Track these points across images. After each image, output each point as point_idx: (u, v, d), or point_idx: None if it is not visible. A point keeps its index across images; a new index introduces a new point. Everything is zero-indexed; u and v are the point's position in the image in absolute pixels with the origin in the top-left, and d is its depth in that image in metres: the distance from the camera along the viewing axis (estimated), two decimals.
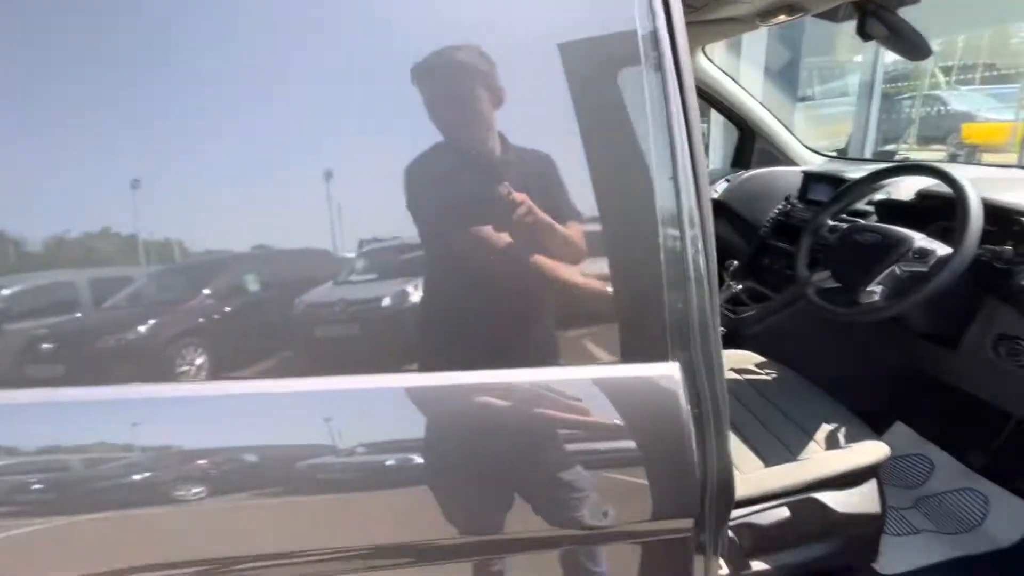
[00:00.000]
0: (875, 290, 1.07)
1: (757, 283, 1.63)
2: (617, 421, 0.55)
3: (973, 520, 1.32)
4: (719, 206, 2.04)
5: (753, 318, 1.51)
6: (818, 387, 1.26)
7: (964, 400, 1.38)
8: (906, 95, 9.57)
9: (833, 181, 1.46)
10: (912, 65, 9.75)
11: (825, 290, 1.20)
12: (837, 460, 0.99)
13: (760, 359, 1.40)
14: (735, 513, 0.97)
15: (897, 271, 1.04)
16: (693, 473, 0.55)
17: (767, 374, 1.34)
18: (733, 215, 1.92)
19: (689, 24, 1.60)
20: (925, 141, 9.12)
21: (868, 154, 7.65)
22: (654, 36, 0.51)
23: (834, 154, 2.12)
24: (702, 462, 0.56)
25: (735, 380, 1.31)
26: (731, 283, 1.59)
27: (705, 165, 0.56)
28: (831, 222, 1.25)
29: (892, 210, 1.33)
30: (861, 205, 1.35)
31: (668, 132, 0.52)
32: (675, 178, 0.52)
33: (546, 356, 0.56)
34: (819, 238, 1.27)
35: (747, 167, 2.21)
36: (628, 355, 0.55)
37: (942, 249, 0.99)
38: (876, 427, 1.66)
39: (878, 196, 1.35)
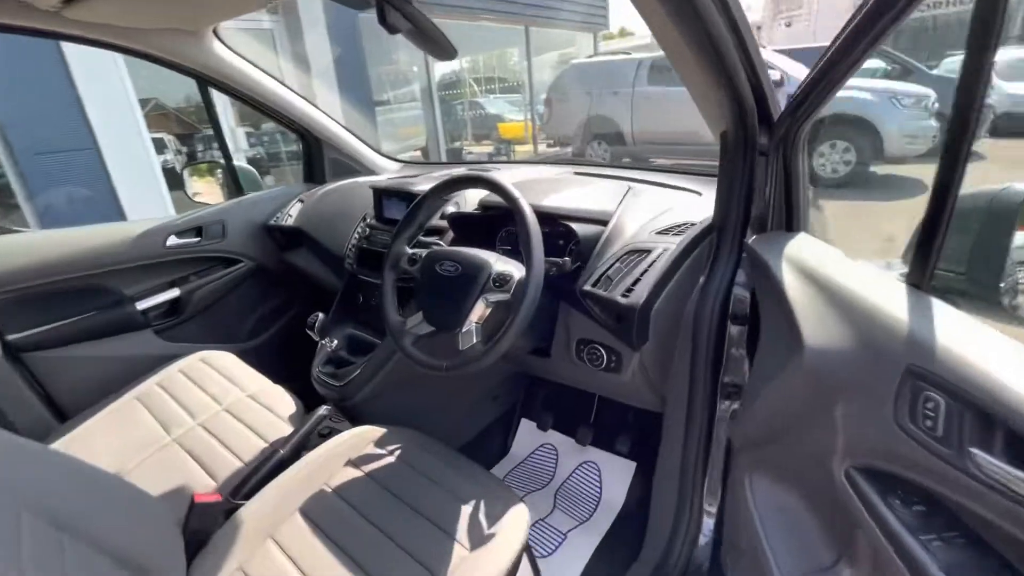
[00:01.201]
0: (471, 329, 0.89)
1: (359, 329, 1.34)
2: None
3: (594, 494, 1.42)
4: (297, 234, 1.64)
5: (360, 379, 1.20)
6: (449, 440, 1.06)
7: (564, 389, 1.47)
8: (457, 101, 11.65)
9: (404, 196, 1.27)
10: (455, 76, 11.91)
11: (422, 337, 0.97)
12: (484, 566, 0.77)
13: (380, 430, 1.10)
14: None
15: (484, 304, 0.88)
16: None
17: (389, 452, 1.04)
18: (315, 244, 1.56)
19: None
20: (477, 139, 11.40)
21: (442, 149, 8.85)
22: None
23: (417, 153, 2.03)
24: None
25: (350, 483, 0.97)
26: (323, 343, 1.23)
27: None
28: (411, 250, 1.02)
29: (464, 223, 1.22)
30: (435, 221, 1.19)
31: None
32: None
33: None
34: (402, 271, 1.03)
35: (322, 181, 1.89)
36: None
37: (517, 271, 0.88)
38: (508, 427, 1.67)
39: (449, 208, 1.23)
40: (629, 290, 0.89)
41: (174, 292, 1.57)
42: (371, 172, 1.96)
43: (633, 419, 1.45)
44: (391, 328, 0.98)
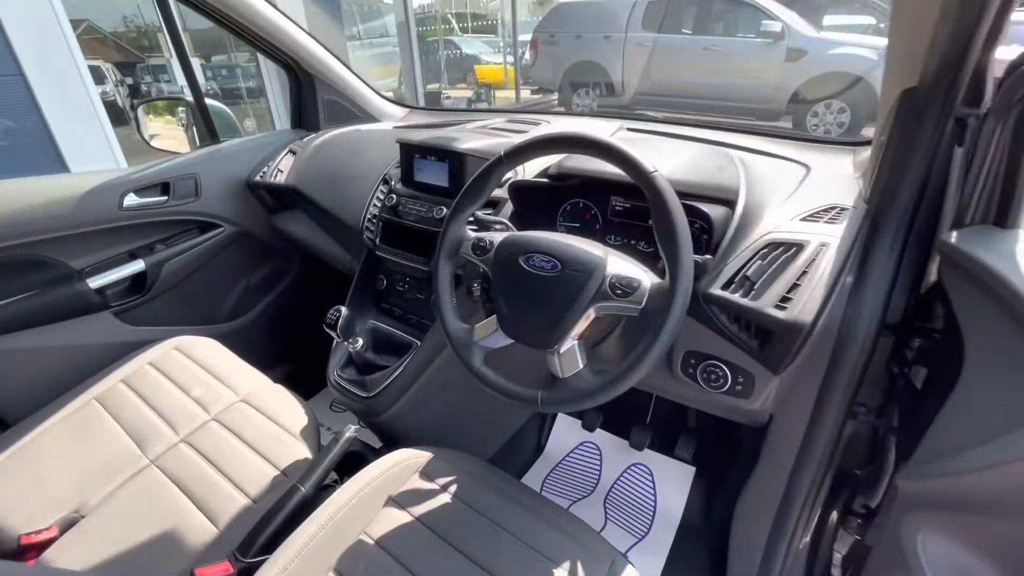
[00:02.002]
0: (573, 349, 0.66)
1: (382, 321, 1.08)
2: None
3: (648, 503, 1.27)
4: (292, 195, 1.34)
5: (394, 390, 0.96)
6: (483, 448, 0.85)
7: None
8: (430, 39, 10.76)
9: (445, 157, 0.99)
10: (426, 12, 10.95)
11: (496, 351, 0.73)
12: None
13: (423, 455, 0.88)
14: None
15: (594, 314, 0.65)
16: None
17: (441, 486, 0.83)
18: (316, 209, 1.26)
19: None
20: (453, 81, 10.63)
21: (420, 93, 8.20)
22: None
23: (389, 95, 1.70)
24: None
25: (398, 532, 0.75)
26: (347, 344, 0.97)
27: None
28: (475, 234, 0.77)
29: (525, 193, 0.96)
30: (497, 192, 0.92)
31: None
32: None
33: None
34: (460, 259, 0.78)
35: (315, 128, 1.56)
36: None
37: (643, 273, 0.64)
38: (541, 423, 1.47)
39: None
40: (785, 300, 0.67)
41: (137, 265, 1.26)
42: (372, 119, 1.64)
43: (696, 420, 1.28)
44: (454, 340, 0.74)
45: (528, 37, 8.33)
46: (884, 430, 0.89)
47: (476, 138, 1.02)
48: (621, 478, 1.32)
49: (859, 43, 5.65)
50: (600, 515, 1.25)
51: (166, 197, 1.28)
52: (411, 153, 1.03)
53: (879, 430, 0.89)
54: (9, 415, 1.10)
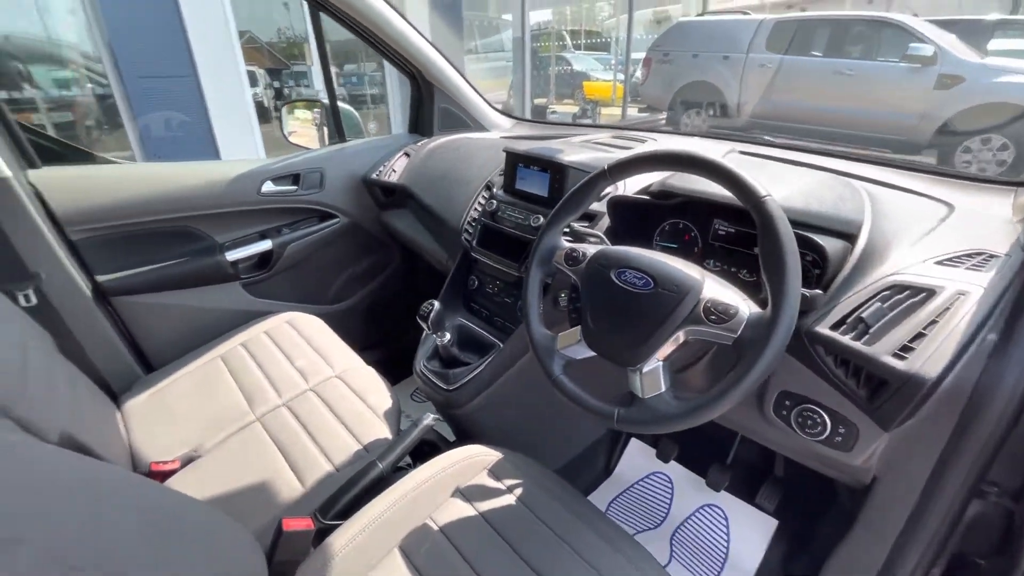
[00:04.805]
0: (657, 370, 0.64)
1: (471, 320, 1.12)
2: None
3: (720, 548, 1.18)
4: (403, 195, 1.44)
5: (474, 386, 0.99)
6: (550, 459, 0.84)
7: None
8: (543, 54, 11.00)
9: (547, 167, 1.01)
10: (540, 29, 11.23)
11: (579, 365, 0.74)
12: None
13: (493, 455, 0.89)
14: None
15: (684, 337, 0.63)
16: None
17: (507, 487, 0.84)
18: (422, 208, 1.35)
19: None
20: (560, 96, 10.76)
21: (527, 107, 8.40)
22: None
23: (499, 107, 1.75)
24: None
25: (461, 523, 0.78)
26: (436, 336, 1.02)
27: None
28: (569, 244, 0.78)
29: (623, 209, 0.95)
30: (594, 205, 0.93)
31: None
32: None
33: None
34: (551, 267, 0.79)
35: (429, 133, 1.66)
36: None
37: (742, 301, 0.61)
38: (613, 444, 1.44)
39: (607, 189, 0.96)
40: (906, 349, 0.60)
41: (265, 244, 1.42)
42: (481, 128, 1.72)
43: (784, 470, 1.18)
44: (536, 345, 0.75)
45: (642, 55, 8.21)
46: (1022, 518, 0.76)
47: (580, 151, 1.03)
48: (693, 516, 1.25)
49: None
50: (665, 550, 1.19)
51: (296, 187, 1.44)
52: (515, 161, 1.07)
53: (1015, 517, 0.76)
54: (155, 359, 1.30)
